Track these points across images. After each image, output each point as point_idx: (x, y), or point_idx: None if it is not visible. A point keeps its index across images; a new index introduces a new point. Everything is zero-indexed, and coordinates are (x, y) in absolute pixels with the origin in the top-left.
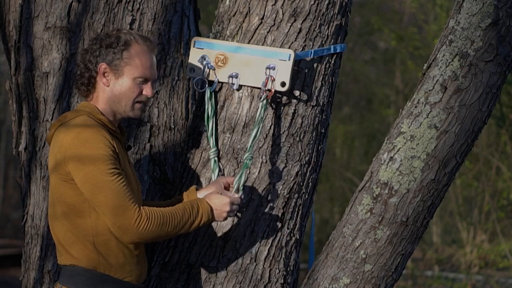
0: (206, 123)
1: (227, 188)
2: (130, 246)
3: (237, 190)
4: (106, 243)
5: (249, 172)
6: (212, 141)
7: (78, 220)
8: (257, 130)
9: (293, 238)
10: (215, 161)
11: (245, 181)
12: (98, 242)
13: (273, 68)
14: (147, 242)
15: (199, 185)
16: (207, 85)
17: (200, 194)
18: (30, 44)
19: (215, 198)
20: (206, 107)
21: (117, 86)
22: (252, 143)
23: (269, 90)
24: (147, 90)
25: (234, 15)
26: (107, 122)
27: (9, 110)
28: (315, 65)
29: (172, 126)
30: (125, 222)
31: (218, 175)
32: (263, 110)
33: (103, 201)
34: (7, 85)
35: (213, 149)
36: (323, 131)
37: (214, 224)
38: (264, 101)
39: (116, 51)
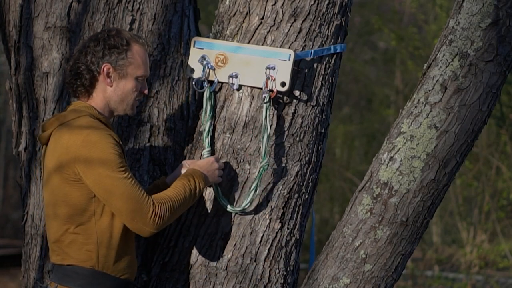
0: (202, 123)
1: None
2: (129, 242)
3: (250, 203)
4: (108, 241)
5: (250, 172)
6: (207, 141)
7: (81, 220)
8: (268, 134)
9: (293, 238)
10: None
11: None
12: (101, 241)
13: (273, 68)
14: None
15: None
16: (206, 85)
17: (169, 180)
18: (30, 44)
19: (200, 162)
20: (204, 107)
21: (120, 85)
22: (265, 149)
23: (271, 91)
24: (145, 88)
25: (234, 15)
26: (105, 120)
27: (9, 110)
28: (315, 65)
29: (172, 126)
30: (142, 221)
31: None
32: (268, 112)
33: (118, 205)
34: (7, 85)
35: (207, 149)
36: (323, 131)
37: (214, 224)
38: (268, 103)
39: (120, 51)
